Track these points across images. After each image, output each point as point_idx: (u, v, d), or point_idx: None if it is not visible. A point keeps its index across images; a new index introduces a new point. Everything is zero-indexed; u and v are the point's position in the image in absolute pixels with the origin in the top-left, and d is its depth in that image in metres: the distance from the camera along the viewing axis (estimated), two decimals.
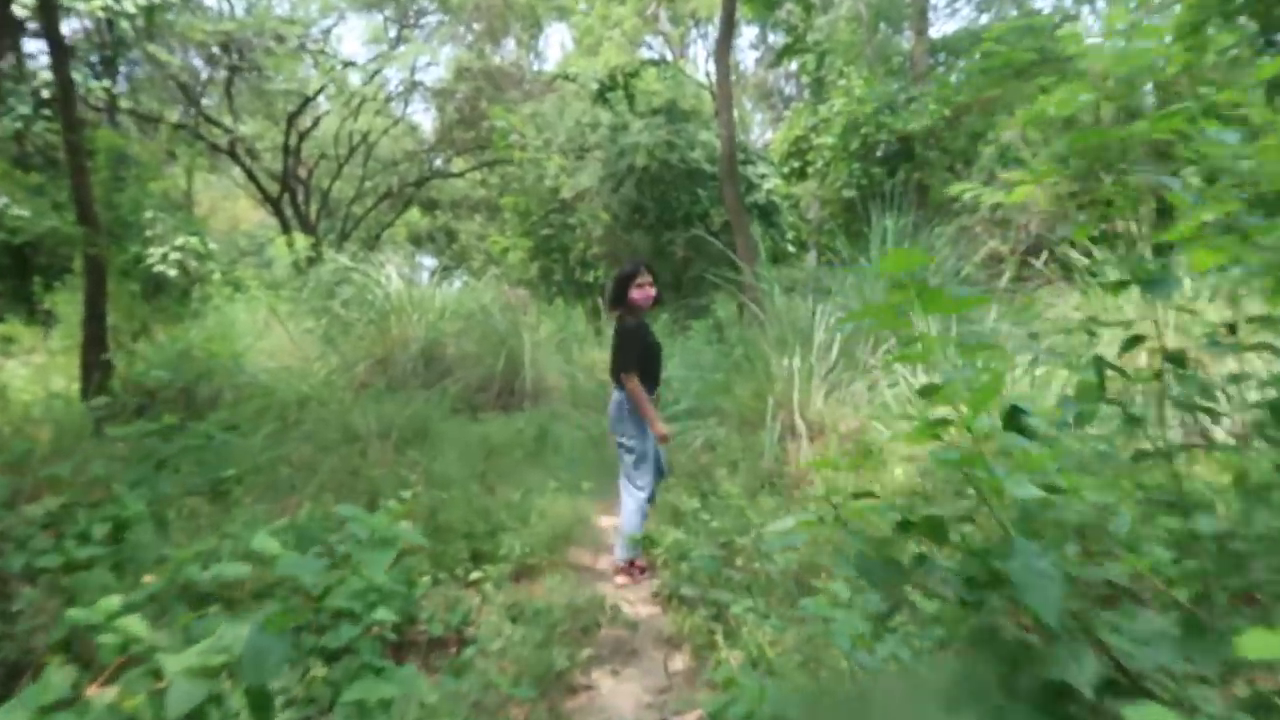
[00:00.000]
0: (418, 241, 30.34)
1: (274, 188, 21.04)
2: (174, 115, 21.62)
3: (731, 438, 6.07)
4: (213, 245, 14.65)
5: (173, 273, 13.37)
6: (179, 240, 13.58)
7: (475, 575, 3.61)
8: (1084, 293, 8.30)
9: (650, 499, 4.78)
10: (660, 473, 4.91)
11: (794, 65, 30.94)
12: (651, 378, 4.90)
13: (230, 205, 33.17)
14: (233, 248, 27.12)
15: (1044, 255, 16.07)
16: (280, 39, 14.59)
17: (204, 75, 17.37)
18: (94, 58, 15.88)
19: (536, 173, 14.39)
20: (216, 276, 14.35)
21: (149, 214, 13.76)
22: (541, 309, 12.90)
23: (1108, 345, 6.91)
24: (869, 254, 9.87)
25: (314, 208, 19.43)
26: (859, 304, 8.84)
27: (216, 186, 32.65)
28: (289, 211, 20.89)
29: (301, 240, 14.07)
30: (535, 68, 19.48)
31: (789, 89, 34.09)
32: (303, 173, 21.45)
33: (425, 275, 16.31)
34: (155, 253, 13.47)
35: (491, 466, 5.93)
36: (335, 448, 5.77)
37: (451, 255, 27.37)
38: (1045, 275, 15.47)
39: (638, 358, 4.76)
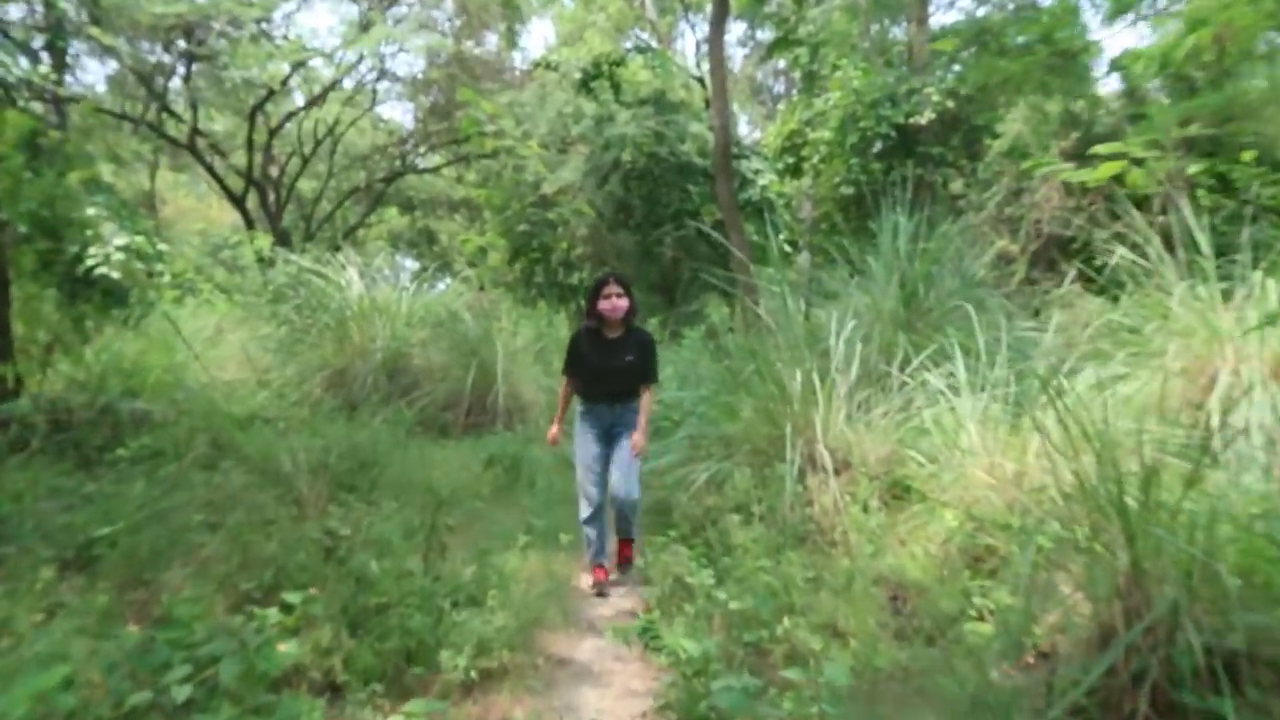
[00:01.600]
0: (398, 244, 29.22)
1: (241, 186, 19.89)
2: (134, 108, 20.52)
3: (741, 473, 5.02)
4: (163, 246, 13.48)
5: (116, 275, 12.20)
6: (122, 240, 12.40)
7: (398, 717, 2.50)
8: (1130, 296, 7.29)
9: (588, 521, 4.75)
10: (613, 498, 4.72)
11: (782, 64, 30.06)
12: (589, 387, 5.07)
13: (204, 207, 31.92)
14: (205, 250, 25.92)
15: (1063, 255, 15.17)
16: (237, 23, 13.45)
17: (160, 64, 16.15)
18: (36, 43, 14.70)
19: (514, 165, 13.29)
20: (166, 279, 13.19)
21: (91, 210, 12.59)
22: (520, 314, 11.83)
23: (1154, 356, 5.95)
24: (876, 253, 8.87)
25: (284, 206, 18.25)
26: (870, 308, 7.87)
27: (190, 187, 31.43)
28: (259, 210, 19.74)
29: (260, 240, 12.92)
30: (517, 61, 18.44)
31: (778, 87, 33.20)
32: (274, 171, 20.31)
33: (406, 278, 15.26)
34: (97, 253, 12.30)
35: (450, 511, 4.85)
36: (254, 492, 4.68)
37: (433, 257, 26.24)
38: (1058, 277, 14.55)
39: (565, 362, 5.24)
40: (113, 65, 20.96)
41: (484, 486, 5.65)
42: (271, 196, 19.93)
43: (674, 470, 5.36)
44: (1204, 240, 6.15)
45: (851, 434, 5.38)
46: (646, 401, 4.91)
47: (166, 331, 10.97)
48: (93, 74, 40.65)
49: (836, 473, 5.14)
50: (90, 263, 12.42)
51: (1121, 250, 7.32)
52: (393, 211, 27.53)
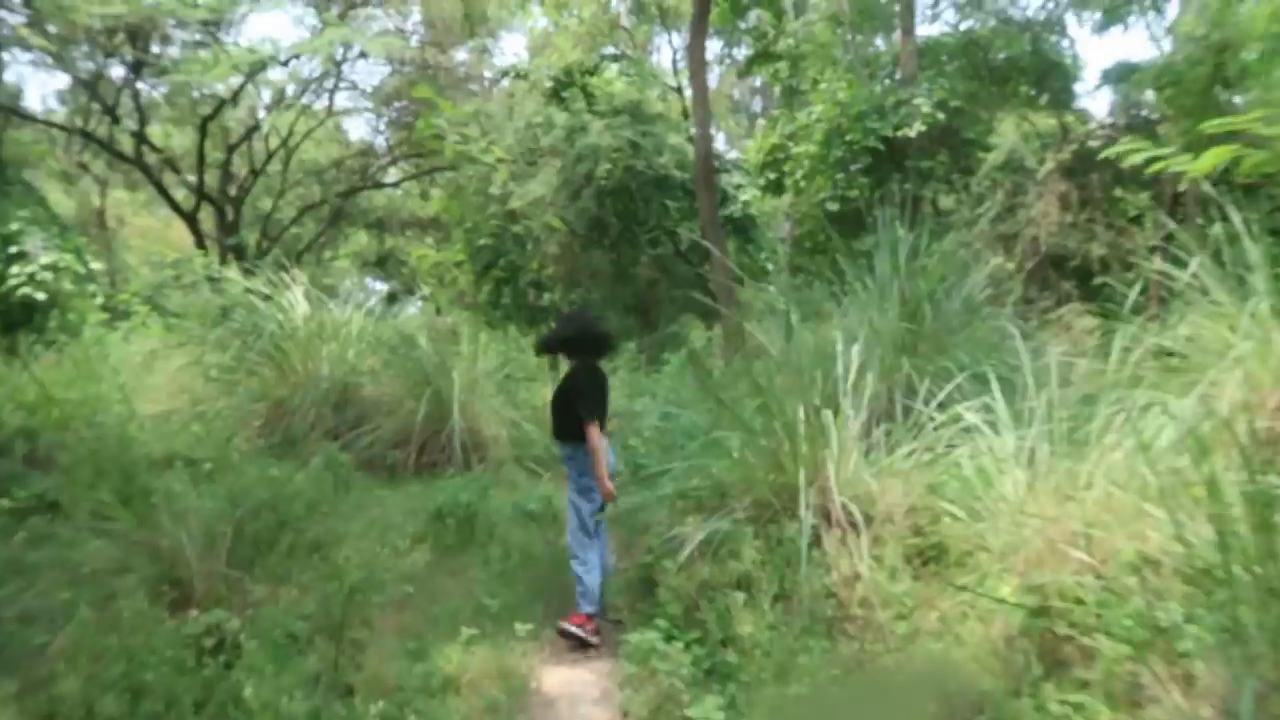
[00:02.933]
0: (365, 266, 28.15)
1: (195, 202, 18.80)
2: (90, 124, 19.43)
3: (742, 533, 4.08)
4: (96, 265, 12.42)
5: (41, 296, 11.12)
6: (49, 258, 11.33)
7: None
8: (1179, 317, 6.43)
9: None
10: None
11: (759, 81, 29.46)
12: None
13: (163, 228, 30.61)
14: (161, 272, 24.67)
15: (1059, 273, 14.44)
16: (182, 24, 12.46)
17: (100, 73, 15.11)
18: None
19: (479, 177, 12.32)
20: (98, 300, 12.10)
21: (15, 226, 11.52)
22: (486, 337, 10.86)
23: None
24: (867, 270, 8.02)
25: (238, 224, 17.19)
26: (867, 330, 7.00)
27: (153, 208, 30.11)
28: (219, 230, 18.63)
29: (200, 259, 11.88)
30: (487, 75, 17.49)
31: (755, 104, 32.58)
32: (232, 189, 19.21)
33: (375, 303, 14.24)
34: (20, 272, 11.23)
35: (381, 588, 3.87)
36: (124, 573, 3.68)
37: (401, 280, 25.17)
38: (1056, 296, 13.81)
39: (600, 405, 4.68)
40: (64, 79, 19.92)
41: (424, 554, 4.67)
42: (231, 215, 18.87)
43: (657, 529, 4.41)
44: (1257, 252, 5.32)
45: (872, 480, 4.47)
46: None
47: (95, 357, 9.94)
48: (40, 86, 39.48)
49: (855, 529, 4.22)
50: (13, 282, 11.38)
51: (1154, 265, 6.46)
52: (360, 233, 26.46)
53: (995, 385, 4.78)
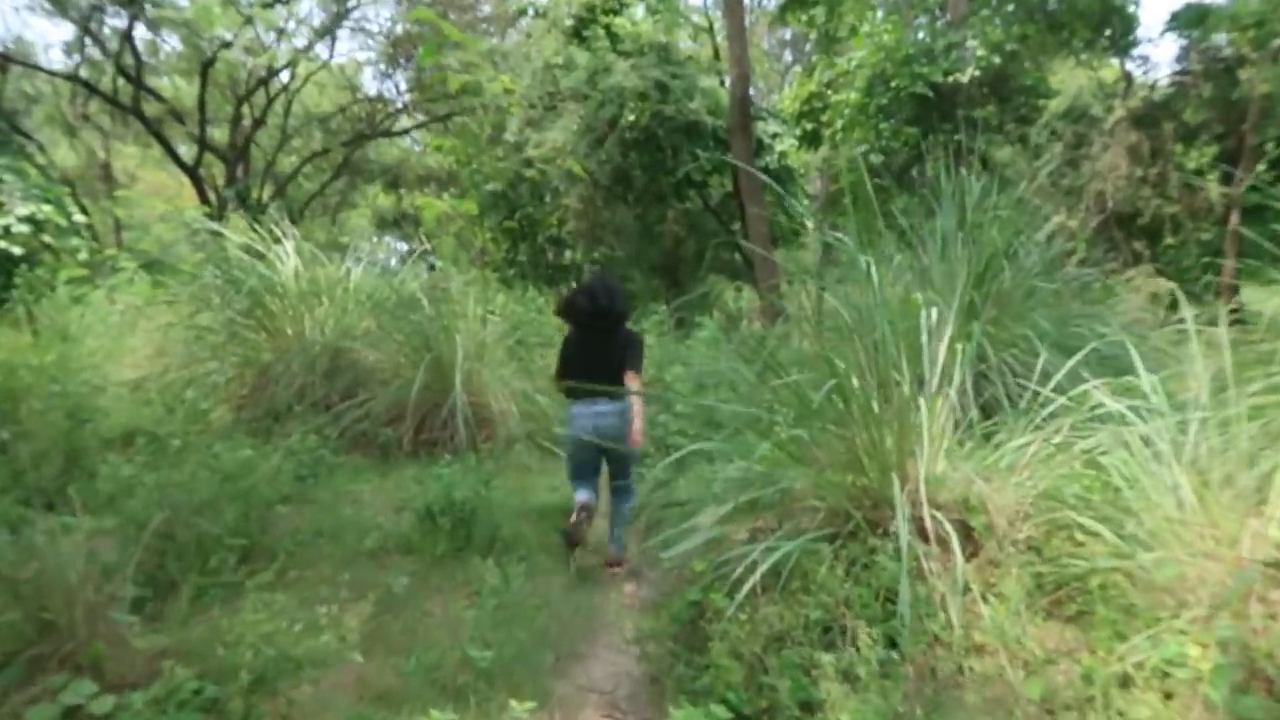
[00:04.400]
0: (385, 225, 27.18)
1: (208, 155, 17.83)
2: (95, 74, 18.47)
3: (817, 557, 3.08)
4: (79, 217, 11.47)
5: (17, 250, 10.22)
6: (26, 209, 10.42)
7: None
8: None
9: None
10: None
11: (789, 33, 28.00)
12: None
13: (177, 184, 29.67)
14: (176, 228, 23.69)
15: (1126, 233, 13.21)
16: None
17: (101, 7, 14.09)
18: None
19: (493, 121, 11.19)
20: (82, 255, 11.18)
21: None
22: (501, 298, 9.86)
23: None
24: (931, 228, 6.98)
25: (235, 175, 16.21)
26: (943, 294, 5.97)
27: (166, 163, 29.11)
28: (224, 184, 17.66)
29: (190, 212, 10.94)
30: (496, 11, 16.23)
31: (786, 56, 31.07)
32: (239, 140, 18.21)
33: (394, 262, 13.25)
34: None
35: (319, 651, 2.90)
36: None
37: (421, 239, 24.15)
38: (1124, 256, 12.60)
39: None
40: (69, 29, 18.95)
41: (405, 568, 3.70)
42: (241, 169, 17.90)
43: (706, 548, 3.40)
44: None
45: (980, 483, 3.45)
46: None
47: (70, 318, 9.05)
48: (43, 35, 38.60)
49: (961, 548, 3.22)
50: None
51: None
52: (378, 191, 25.42)
53: (1139, 364, 3.72)
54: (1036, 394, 4.58)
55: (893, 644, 2.89)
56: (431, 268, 8.53)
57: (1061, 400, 3.85)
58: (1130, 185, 12.54)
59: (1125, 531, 3.15)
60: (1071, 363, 4.03)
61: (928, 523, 3.29)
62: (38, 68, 16.29)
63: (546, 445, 6.56)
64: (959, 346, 4.23)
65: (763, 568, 2.92)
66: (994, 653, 2.91)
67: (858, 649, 2.75)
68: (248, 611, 2.75)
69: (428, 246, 10.44)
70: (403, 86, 15.88)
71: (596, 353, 4.48)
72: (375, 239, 28.23)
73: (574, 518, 4.24)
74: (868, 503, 3.50)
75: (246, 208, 14.96)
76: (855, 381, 3.79)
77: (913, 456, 3.58)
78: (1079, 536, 3.30)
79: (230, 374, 7.62)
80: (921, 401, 3.63)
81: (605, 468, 4.55)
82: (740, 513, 3.54)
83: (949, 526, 3.29)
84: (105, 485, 4.88)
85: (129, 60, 16.00)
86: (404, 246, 26.55)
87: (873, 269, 4.04)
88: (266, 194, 16.67)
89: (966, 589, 3.06)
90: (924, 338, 4.18)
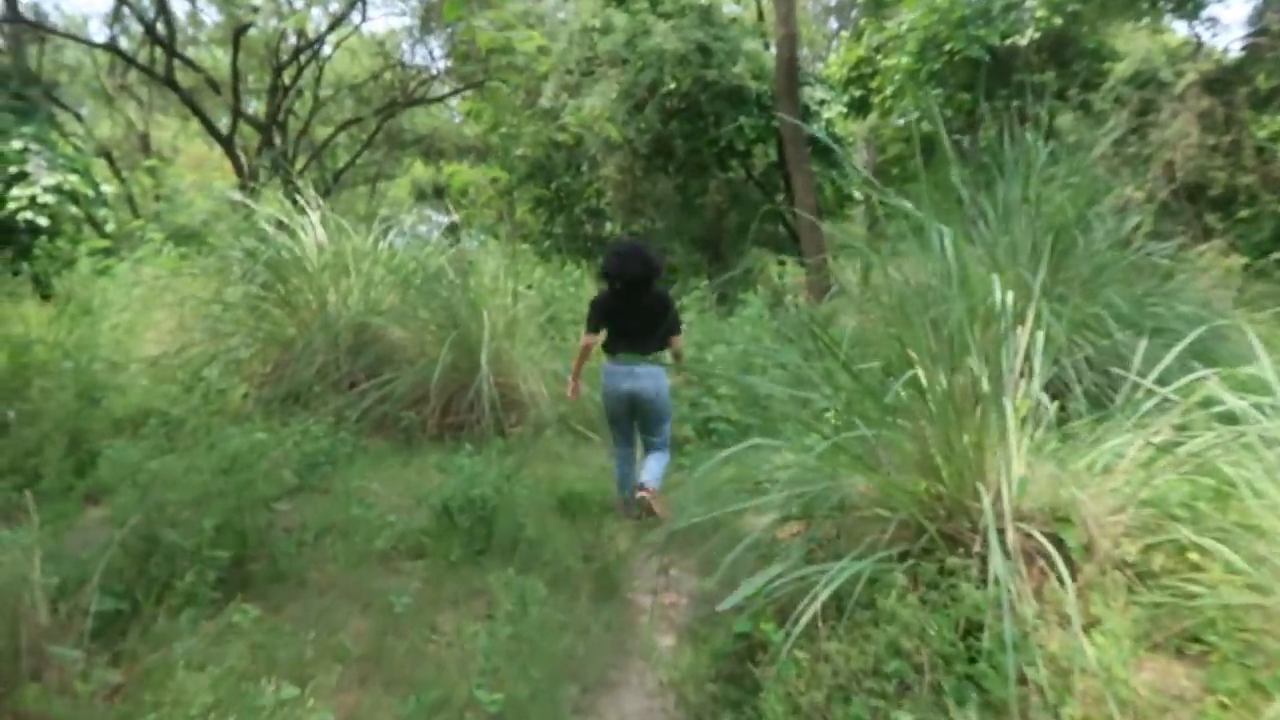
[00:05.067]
0: (422, 197, 26.86)
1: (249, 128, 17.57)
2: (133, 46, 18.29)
3: (889, 581, 2.63)
4: (107, 187, 11.25)
5: (43, 220, 10.00)
6: (52, 179, 10.19)
7: None
8: None
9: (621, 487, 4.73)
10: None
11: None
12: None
13: (220, 156, 29.58)
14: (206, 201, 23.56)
15: (1195, 205, 12.42)
16: None
17: None
18: None
19: (526, 85, 10.68)
20: (110, 226, 10.97)
21: (17, 144, 10.38)
22: (533, 272, 9.45)
23: None
24: (994, 198, 6.46)
25: (265, 146, 15.93)
26: (1005, 269, 5.46)
27: (206, 136, 29.01)
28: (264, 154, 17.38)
29: (219, 182, 10.65)
30: None
31: (833, 22, 30.09)
32: (280, 114, 17.92)
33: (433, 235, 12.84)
34: (20, 194, 10.11)
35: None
36: None
37: (449, 209, 23.80)
38: (1195, 230, 11.83)
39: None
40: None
41: (417, 574, 3.32)
42: (279, 139, 17.64)
43: (754, 557, 2.96)
44: None
45: (1074, 491, 2.97)
46: None
47: (92, 292, 8.81)
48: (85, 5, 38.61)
49: (1053, 569, 2.75)
50: (12, 206, 10.29)
51: None
52: (417, 163, 25.06)
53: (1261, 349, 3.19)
54: (1114, 383, 4.10)
55: (977, 686, 2.44)
56: (456, 240, 8.11)
57: (1141, 390, 3.35)
58: (1201, 154, 11.72)
59: (1255, 554, 2.66)
60: (1179, 349, 3.52)
61: (1011, 536, 2.83)
62: (74, 37, 16.08)
63: (580, 430, 6.16)
64: (1041, 330, 3.73)
65: (824, 594, 2.47)
66: (1099, 700, 2.45)
67: (939, 697, 2.31)
68: (226, 639, 2.36)
69: (456, 218, 10.04)
70: (437, 53, 15.44)
71: (626, 313, 4.64)
72: (414, 211, 28.00)
73: (623, 508, 4.57)
74: (942, 512, 3.04)
75: (280, 178, 14.71)
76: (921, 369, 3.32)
77: (994, 458, 3.11)
78: (1193, 557, 2.83)
79: (251, 351, 7.33)
80: (1008, 404, 3.14)
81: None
82: (792, 519, 3.10)
83: (1042, 543, 2.83)
84: (106, 471, 4.59)
85: (164, 30, 15.77)
86: (443, 219, 26.25)
87: (946, 239, 3.55)
88: (300, 164, 16.37)
89: (1067, 620, 2.60)
90: (1001, 319, 3.66)
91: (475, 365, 5.90)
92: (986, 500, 2.82)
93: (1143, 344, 3.96)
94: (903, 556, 2.84)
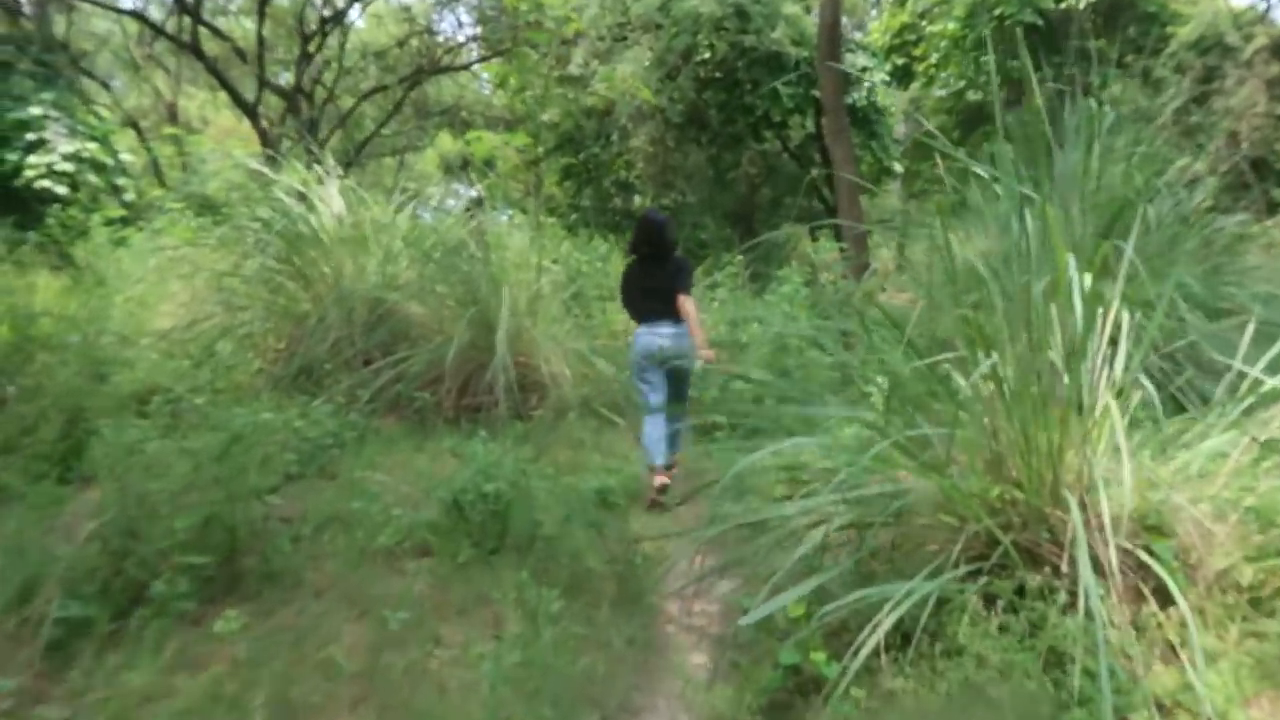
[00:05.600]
0: (450, 169, 26.48)
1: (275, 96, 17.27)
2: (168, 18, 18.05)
3: (959, 603, 2.24)
4: (126, 156, 11.02)
5: (61, 189, 9.78)
6: (70, 147, 9.95)
7: None
8: None
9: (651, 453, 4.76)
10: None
11: None
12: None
13: (246, 128, 29.43)
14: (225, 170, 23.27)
15: (1260, 178, 11.74)
16: None
17: None
18: None
19: (554, 51, 10.23)
20: (129, 195, 10.73)
21: (36, 110, 10.15)
22: (560, 246, 9.07)
23: None
24: (1048, 171, 5.90)
25: (288, 114, 15.62)
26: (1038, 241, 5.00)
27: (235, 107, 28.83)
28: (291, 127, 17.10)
29: (239, 151, 10.37)
30: None
31: None
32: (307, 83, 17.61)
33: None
34: (39, 162, 9.89)
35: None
36: None
37: (471, 179, 23.38)
38: (1261, 204, 11.18)
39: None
40: None
41: (425, 576, 2.99)
42: (306, 109, 17.34)
43: (803, 579, 2.58)
44: None
45: (1175, 499, 2.57)
46: None
47: (108, 264, 8.58)
48: None
49: (1153, 590, 2.36)
50: (30, 174, 10.08)
51: None
52: (445, 135, 24.67)
53: None
54: (1179, 369, 3.71)
55: None
56: (479, 213, 7.75)
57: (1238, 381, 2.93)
58: (1269, 124, 11.04)
59: None
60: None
61: (1100, 551, 2.43)
62: (99, 3, 15.84)
63: (605, 414, 5.80)
64: (1126, 313, 3.31)
65: (886, 623, 2.10)
66: None
67: None
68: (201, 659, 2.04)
69: (477, 190, 9.68)
70: (465, 19, 15.03)
71: (649, 279, 4.97)
72: (441, 184, 27.64)
73: (651, 496, 4.57)
74: (1017, 520, 2.64)
75: (304, 148, 14.43)
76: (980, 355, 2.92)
77: (1077, 458, 2.71)
78: None
79: (266, 326, 7.03)
80: (1105, 393, 2.74)
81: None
82: (842, 526, 2.72)
83: (1138, 556, 2.44)
84: (98, 453, 4.30)
85: None
86: (470, 192, 25.83)
87: (1025, 210, 3.14)
88: (323, 133, 16.08)
89: (1173, 652, 2.21)
90: (1077, 300, 3.23)
91: (494, 344, 5.54)
92: (1074, 508, 2.42)
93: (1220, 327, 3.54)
94: (973, 573, 2.45)
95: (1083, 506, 2.53)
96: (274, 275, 7.12)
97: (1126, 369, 3.07)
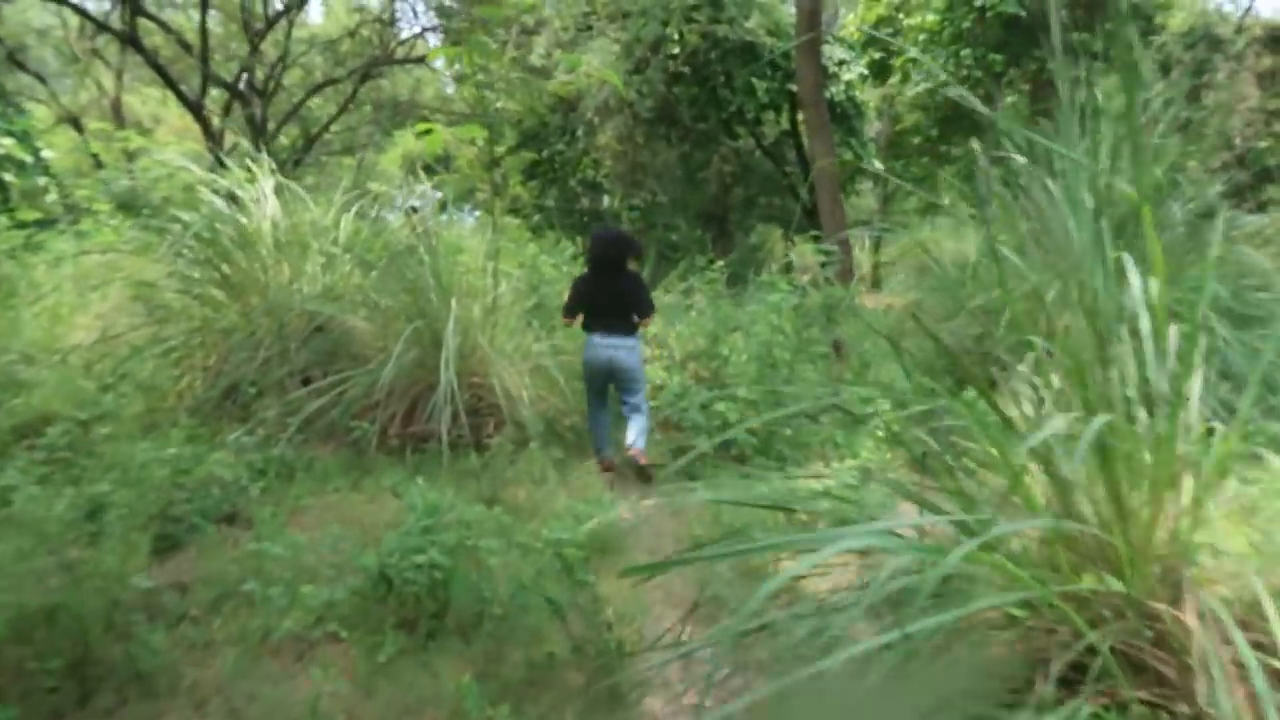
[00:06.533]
0: (414, 170, 25.66)
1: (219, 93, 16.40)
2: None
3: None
4: (47, 152, 10.14)
5: None
6: None
7: None
8: None
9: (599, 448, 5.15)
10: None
11: None
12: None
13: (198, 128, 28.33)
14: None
15: (1253, 175, 11.34)
16: None
17: None
18: None
19: (514, 38, 9.54)
20: (51, 196, 9.87)
21: None
22: (526, 249, 8.38)
23: None
24: (1050, 161, 5.43)
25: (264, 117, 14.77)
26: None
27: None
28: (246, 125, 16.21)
29: (173, 149, 9.56)
30: None
31: None
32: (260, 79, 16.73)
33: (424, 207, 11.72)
34: None
35: None
36: None
37: (453, 185, 22.61)
38: (1253, 204, 10.79)
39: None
40: None
41: (333, 687, 2.32)
42: (257, 105, 16.46)
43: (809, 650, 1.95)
44: None
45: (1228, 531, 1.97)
46: None
47: (22, 273, 7.76)
48: None
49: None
50: None
51: None
52: (408, 135, 23.89)
53: None
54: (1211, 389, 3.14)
55: None
56: (420, 210, 7.05)
57: None
58: (1261, 119, 10.63)
59: None
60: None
61: (1183, 618, 1.83)
62: None
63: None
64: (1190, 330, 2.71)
65: None
66: None
67: None
68: None
69: (428, 187, 8.96)
70: (420, 8, 14.29)
71: (605, 291, 5.15)
72: (406, 184, 26.78)
73: (604, 476, 4.88)
74: (1107, 612, 2.02)
75: (254, 144, 13.60)
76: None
77: (1167, 518, 2.10)
78: None
79: (194, 340, 6.28)
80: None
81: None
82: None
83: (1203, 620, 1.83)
84: None
85: None
86: (436, 194, 24.99)
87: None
88: (272, 129, 15.25)
89: None
90: (1138, 306, 2.60)
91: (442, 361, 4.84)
92: (1190, 604, 1.80)
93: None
94: (1061, 685, 1.82)
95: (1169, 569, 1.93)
96: (200, 284, 6.38)
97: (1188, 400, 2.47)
